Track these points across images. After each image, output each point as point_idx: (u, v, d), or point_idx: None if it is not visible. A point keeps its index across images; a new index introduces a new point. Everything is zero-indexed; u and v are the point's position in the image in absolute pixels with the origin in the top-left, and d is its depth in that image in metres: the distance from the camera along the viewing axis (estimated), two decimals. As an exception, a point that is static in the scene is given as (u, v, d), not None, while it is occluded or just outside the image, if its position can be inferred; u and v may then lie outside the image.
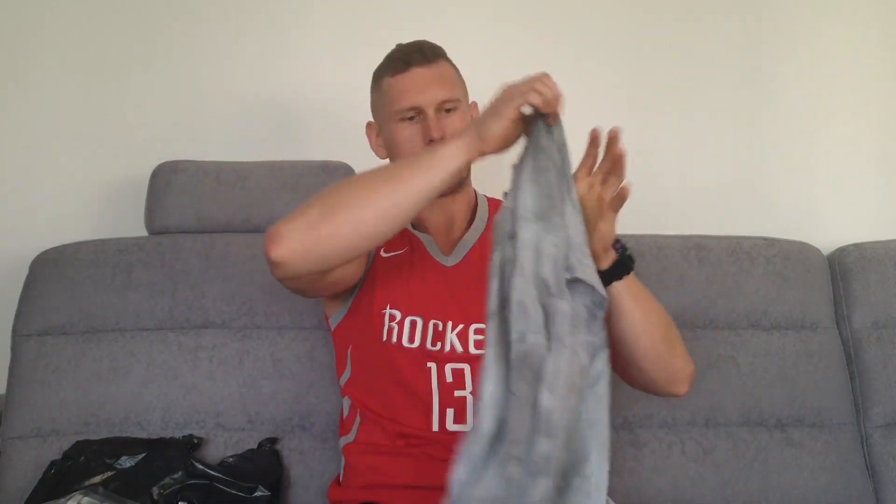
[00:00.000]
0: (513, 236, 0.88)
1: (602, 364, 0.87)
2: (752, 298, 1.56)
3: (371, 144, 1.34)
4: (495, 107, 0.97)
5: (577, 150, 1.78)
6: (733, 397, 1.50)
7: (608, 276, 1.03)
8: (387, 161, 1.31)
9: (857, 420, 1.55)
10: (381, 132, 1.31)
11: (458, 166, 0.99)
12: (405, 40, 1.32)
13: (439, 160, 0.99)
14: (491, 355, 0.83)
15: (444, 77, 1.26)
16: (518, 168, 0.95)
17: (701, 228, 1.65)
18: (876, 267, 1.62)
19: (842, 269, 1.64)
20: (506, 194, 0.94)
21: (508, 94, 0.97)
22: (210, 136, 1.69)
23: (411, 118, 1.24)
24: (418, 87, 1.23)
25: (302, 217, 1.01)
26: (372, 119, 1.34)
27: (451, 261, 1.27)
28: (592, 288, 0.87)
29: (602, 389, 0.86)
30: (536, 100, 0.95)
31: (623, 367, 1.10)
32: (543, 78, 0.97)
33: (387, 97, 1.26)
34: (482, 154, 0.99)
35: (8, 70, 1.67)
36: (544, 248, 0.86)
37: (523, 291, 0.83)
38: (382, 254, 1.27)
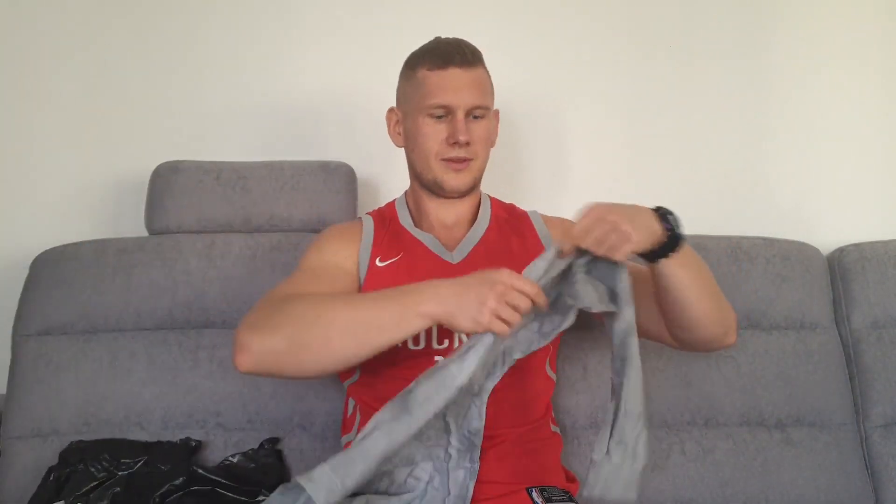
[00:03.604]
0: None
1: None
2: (751, 298, 1.56)
3: (389, 130, 1.35)
4: (479, 300, 0.99)
5: (573, 144, 1.76)
6: (733, 397, 1.50)
7: (654, 256, 1.10)
8: (401, 150, 1.34)
9: (857, 420, 1.56)
10: (405, 121, 1.31)
11: (421, 329, 1.04)
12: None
13: (406, 323, 1.03)
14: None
15: (479, 83, 1.26)
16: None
17: (701, 228, 1.65)
18: (875, 267, 1.62)
19: (841, 269, 1.64)
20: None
21: (487, 300, 0.99)
22: (210, 136, 1.69)
23: (440, 116, 1.25)
24: (454, 87, 1.24)
25: (270, 338, 1.05)
26: (395, 106, 1.34)
27: (456, 257, 1.29)
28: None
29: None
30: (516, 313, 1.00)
31: (679, 332, 1.21)
32: (512, 288, 0.99)
33: (420, 89, 1.26)
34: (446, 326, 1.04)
35: (8, 70, 1.67)
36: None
37: None
38: (378, 263, 1.27)
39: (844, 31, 1.82)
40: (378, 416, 0.99)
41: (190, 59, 1.70)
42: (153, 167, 1.55)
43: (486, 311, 0.97)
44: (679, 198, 1.78)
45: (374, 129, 1.69)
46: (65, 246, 1.50)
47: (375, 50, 1.72)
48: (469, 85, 1.24)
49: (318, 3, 1.72)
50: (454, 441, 1.09)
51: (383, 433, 0.98)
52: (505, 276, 0.99)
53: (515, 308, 0.98)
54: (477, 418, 1.08)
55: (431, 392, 0.99)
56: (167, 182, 1.52)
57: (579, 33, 1.77)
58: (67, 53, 1.68)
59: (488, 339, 0.99)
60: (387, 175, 1.71)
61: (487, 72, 1.29)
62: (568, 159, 1.78)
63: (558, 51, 1.76)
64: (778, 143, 1.81)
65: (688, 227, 1.64)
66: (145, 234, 1.55)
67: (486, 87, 1.28)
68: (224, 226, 1.52)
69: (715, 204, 1.78)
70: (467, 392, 1.06)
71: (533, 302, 1.00)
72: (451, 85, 1.24)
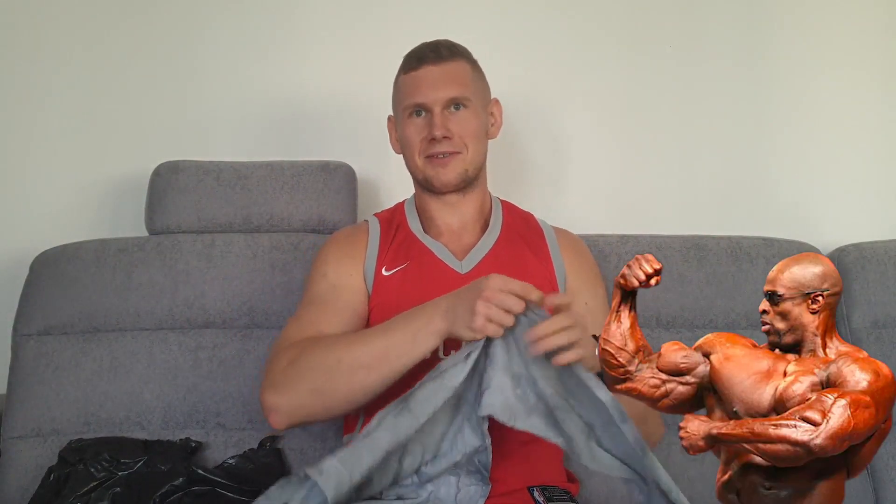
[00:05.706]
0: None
1: None
2: (751, 298, 1.55)
3: (390, 139, 1.38)
4: (470, 307, 1.02)
5: (571, 144, 1.76)
6: (733, 397, 1.50)
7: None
8: (401, 157, 1.34)
9: (857, 420, 1.55)
10: (397, 127, 1.34)
11: (433, 348, 1.08)
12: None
13: (420, 343, 1.07)
14: None
15: (454, 75, 1.28)
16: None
17: (701, 228, 1.65)
18: (875, 267, 1.62)
19: (841, 269, 1.63)
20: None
21: (476, 306, 1.01)
22: (210, 136, 1.69)
23: (419, 114, 1.27)
24: (427, 84, 1.26)
25: (296, 394, 1.12)
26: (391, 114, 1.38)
27: (465, 267, 1.28)
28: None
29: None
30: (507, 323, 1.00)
31: None
32: (500, 291, 1.01)
33: (399, 93, 1.31)
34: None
35: (8, 70, 1.67)
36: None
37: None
38: (384, 272, 1.28)
39: (844, 31, 1.82)
40: (381, 413, 1.01)
41: (190, 59, 1.70)
42: (153, 167, 1.55)
43: (478, 317, 1.00)
44: (679, 198, 1.80)
45: (374, 129, 1.69)
46: (65, 246, 1.50)
47: (376, 50, 1.71)
48: (442, 79, 1.26)
49: (319, 3, 1.72)
50: (465, 466, 1.09)
51: (387, 429, 1.00)
52: (493, 281, 1.02)
53: (507, 310, 1.00)
54: (485, 454, 1.09)
55: (430, 393, 1.01)
56: (167, 182, 1.52)
57: (578, 31, 1.77)
58: (67, 54, 1.68)
59: (481, 344, 1.03)
60: (387, 175, 1.71)
61: (470, 62, 1.31)
62: (567, 159, 1.78)
63: (557, 49, 1.76)
64: (778, 143, 1.81)
65: (688, 227, 1.67)
66: (145, 234, 1.55)
67: (465, 77, 1.29)
68: (224, 226, 1.53)
69: (715, 204, 1.78)
70: (477, 427, 1.07)
71: (525, 301, 1.01)
72: (423, 83, 1.27)
